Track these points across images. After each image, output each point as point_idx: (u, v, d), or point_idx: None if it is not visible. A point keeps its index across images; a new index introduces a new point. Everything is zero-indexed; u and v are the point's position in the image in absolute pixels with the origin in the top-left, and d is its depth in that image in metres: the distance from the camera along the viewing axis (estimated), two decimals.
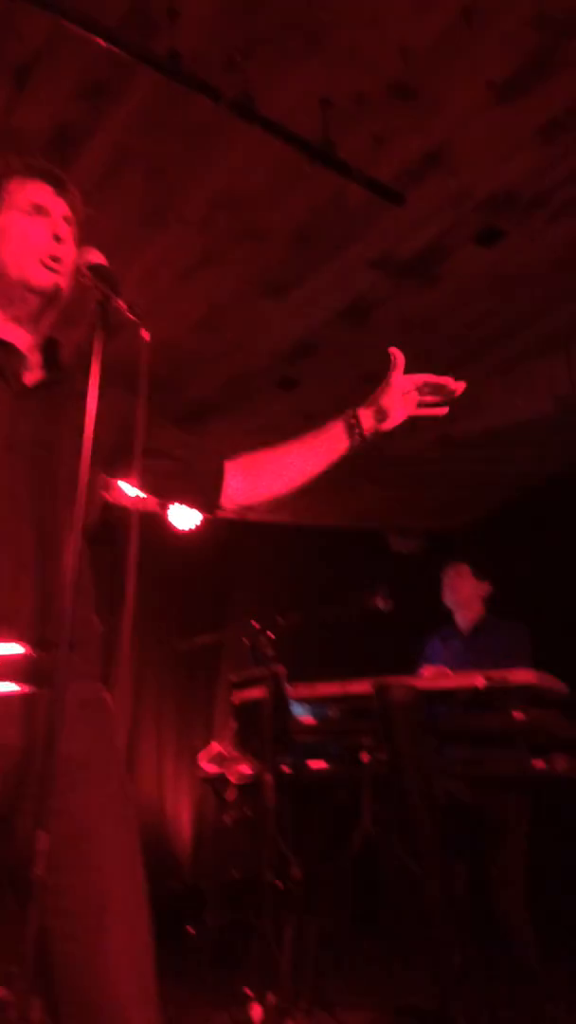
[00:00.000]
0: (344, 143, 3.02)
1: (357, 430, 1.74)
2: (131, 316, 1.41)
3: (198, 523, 5.47)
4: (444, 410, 1.76)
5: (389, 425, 1.75)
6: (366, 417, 1.75)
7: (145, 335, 1.39)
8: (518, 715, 2.98)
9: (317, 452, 1.75)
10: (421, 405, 1.75)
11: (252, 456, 1.74)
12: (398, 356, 1.77)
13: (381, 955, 5.07)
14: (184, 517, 5.42)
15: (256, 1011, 3.10)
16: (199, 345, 4.34)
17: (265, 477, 1.73)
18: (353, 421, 1.75)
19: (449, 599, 3.92)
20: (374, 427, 1.74)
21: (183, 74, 2.68)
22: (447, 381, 1.74)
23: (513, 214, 3.54)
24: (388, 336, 4.39)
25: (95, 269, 1.43)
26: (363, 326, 4.24)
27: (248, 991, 3.14)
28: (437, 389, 1.77)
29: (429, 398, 1.76)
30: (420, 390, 1.78)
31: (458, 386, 1.73)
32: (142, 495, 1.60)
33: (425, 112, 3.03)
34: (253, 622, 3.48)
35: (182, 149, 3.11)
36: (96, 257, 1.45)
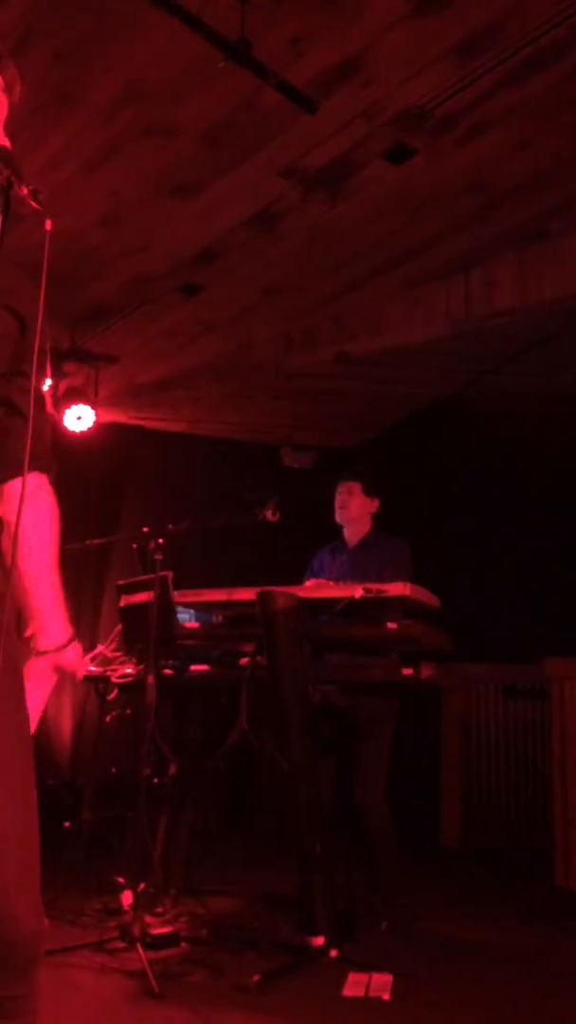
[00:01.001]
0: (261, 44, 2.98)
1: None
2: (34, 204, 1.37)
3: (91, 426, 5.43)
4: None
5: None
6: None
7: (48, 225, 1.36)
8: (391, 625, 3.10)
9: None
10: None
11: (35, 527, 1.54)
12: None
13: (250, 847, 5.34)
14: (79, 419, 5.37)
15: (127, 897, 3.24)
16: (101, 242, 4.26)
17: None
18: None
19: (339, 514, 3.99)
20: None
21: None
22: None
23: (423, 132, 3.56)
24: (295, 247, 4.43)
25: None
26: (270, 235, 4.23)
27: (120, 880, 3.27)
28: None
29: None
30: None
31: None
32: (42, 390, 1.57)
33: (345, 18, 3.01)
34: (143, 527, 3.49)
35: (94, 32, 3.01)
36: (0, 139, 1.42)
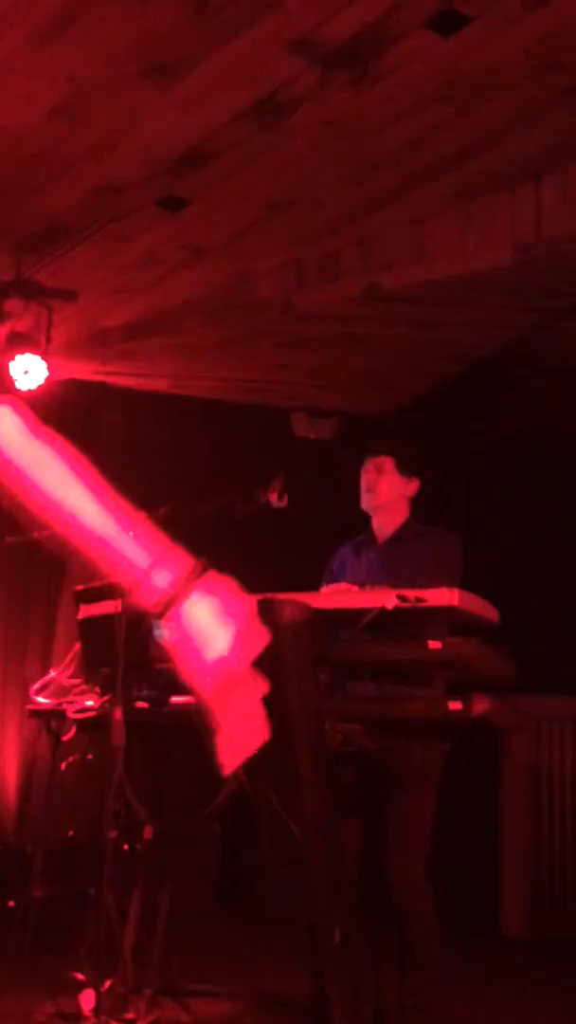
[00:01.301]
0: None
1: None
2: None
3: (41, 383, 5.42)
4: None
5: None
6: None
7: None
8: (434, 645, 3.07)
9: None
10: None
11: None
12: None
13: (246, 933, 5.36)
14: (25, 374, 5.37)
15: (87, 999, 3.25)
16: (55, 139, 4.25)
17: None
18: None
19: (366, 499, 4.01)
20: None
21: None
22: None
23: None
24: (309, 148, 4.41)
25: None
26: (276, 132, 4.21)
27: (79, 976, 3.28)
28: None
29: None
30: None
31: None
32: None
33: None
34: None
35: None
36: None
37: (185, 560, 1.39)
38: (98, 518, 1.40)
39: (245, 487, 3.69)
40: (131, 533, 1.39)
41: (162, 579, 1.36)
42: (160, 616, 1.35)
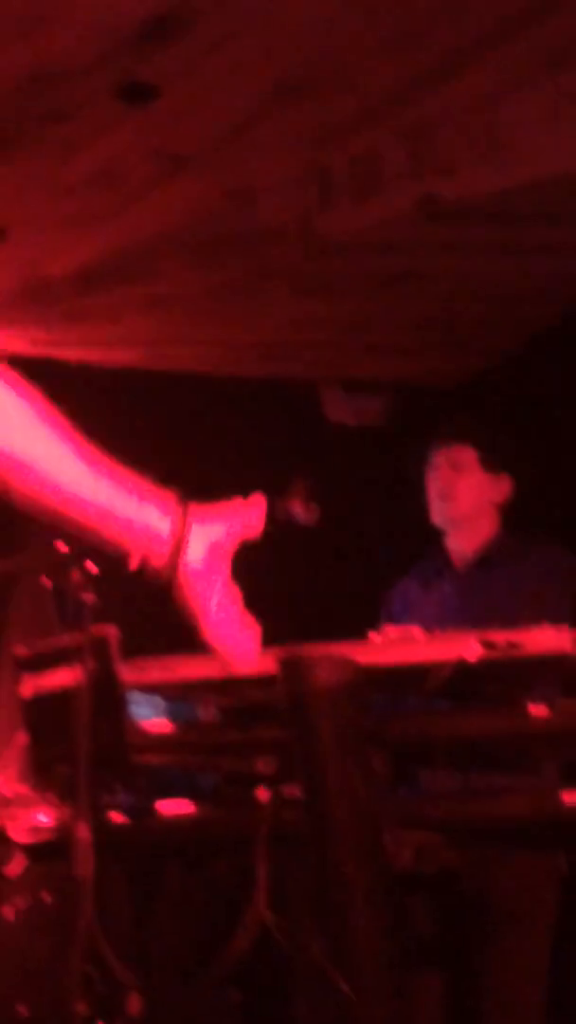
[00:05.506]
0: None
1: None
2: None
3: None
4: None
5: None
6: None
7: None
8: (539, 711, 3.06)
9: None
10: None
11: None
12: None
13: None
14: None
15: None
16: None
17: None
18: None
19: (438, 509, 4.09)
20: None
21: None
22: None
23: None
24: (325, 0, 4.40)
25: None
26: None
27: None
28: None
29: None
30: None
31: None
32: None
33: None
34: (59, 543, 3.49)
35: None
36: None
37: (169, 498, 1.98)
38: (83, 476, 1.93)
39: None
40: (117, 484, 1.95)
41: (164, 527, 1.93)
42: (172, 571, 1.92)
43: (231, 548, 2.02)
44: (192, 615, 1.95)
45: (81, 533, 1.94)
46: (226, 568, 2.01)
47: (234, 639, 2.03)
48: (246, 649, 2.05)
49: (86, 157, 5.07)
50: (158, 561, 1.92)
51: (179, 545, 1.93)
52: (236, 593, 2.03)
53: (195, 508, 1.98)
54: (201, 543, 1.95)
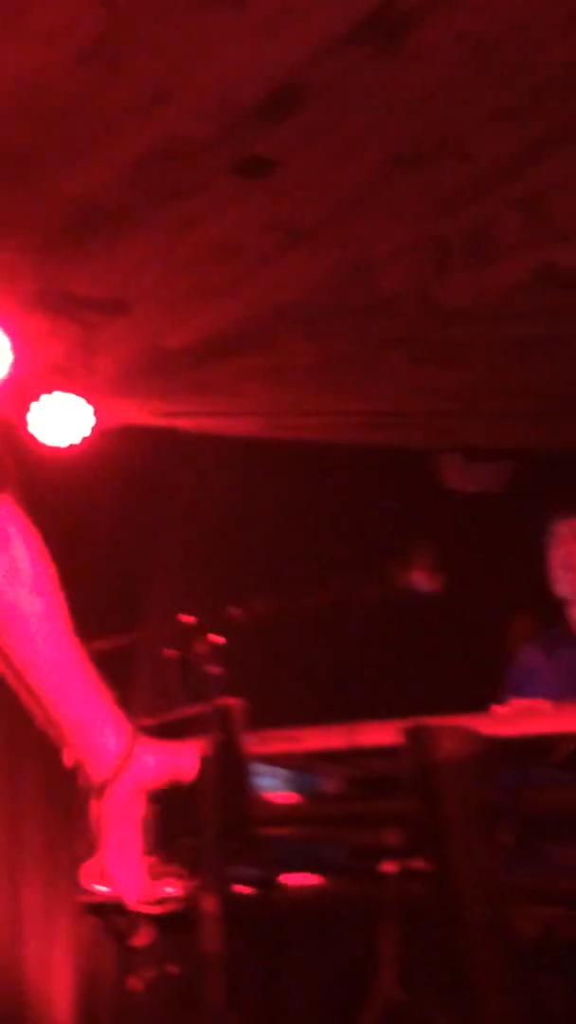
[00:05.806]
0: None
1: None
2: None
3: (86, 435, 5.49)
4: None
5: None
6: None
7: None
8: None
9: None
10: None
11: None
12: None
13: None
14: (62, 422, 5.44)
15: None
16: (88, 89, 4.32)
17: None
18: None
19: (565, 581, 4.11)
20: None
21: None
22: None
23: None
24: (443, 73, 4.40)
25: None
26: (395, 55, 4.23)
27: None
28: None
29: None
30: None
31: None
32: None
33: None
34: (183, 616, 3.51)
35: None
36: None
37: (123, 720, 1.94)
38: (67, 671, 1.93)
39: (377, 565, 3.68)
40: (89, 680, 1.93)
41: (112, 743, 1.92)
42: (104, 789, 1.93)
43: (156, 786, 2.01)
44: (98, 834, 1.96)
45: (35, 708, 1.95)
46: (143, 806, 2.02)
47: (127, 870, 2.00)
48: (135, 884, 2.01)
49: (204, 231, 5.13)
50: (97, 776, 1.93)
51: (122, 767, 1.94)
52: (142, 834, 2.04)
53: (143, 738, 1.98)
54: (137, 773, 1.95)
